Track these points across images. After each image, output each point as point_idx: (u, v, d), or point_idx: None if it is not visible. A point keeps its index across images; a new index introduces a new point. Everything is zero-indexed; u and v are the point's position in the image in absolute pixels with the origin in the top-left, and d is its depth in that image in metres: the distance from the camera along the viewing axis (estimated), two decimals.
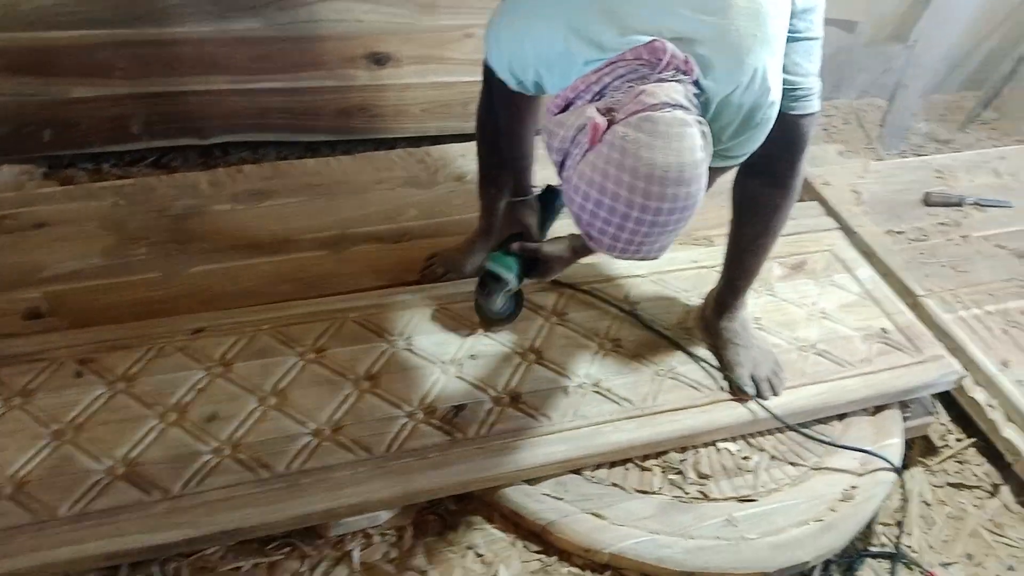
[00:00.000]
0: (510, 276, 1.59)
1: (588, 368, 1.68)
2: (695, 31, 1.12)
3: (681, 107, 1.05)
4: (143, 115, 2.34)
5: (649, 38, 1.09)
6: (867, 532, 1.72)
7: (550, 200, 1.68)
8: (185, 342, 1.65)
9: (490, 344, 1.70)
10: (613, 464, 1.58)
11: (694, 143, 1.05)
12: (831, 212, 2.29)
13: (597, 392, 1.64)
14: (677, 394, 1.65)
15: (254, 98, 2.36)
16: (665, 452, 1.61)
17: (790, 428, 1.64)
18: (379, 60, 2.36)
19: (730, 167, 1.40)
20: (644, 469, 1.59)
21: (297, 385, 1.58)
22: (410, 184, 2.17)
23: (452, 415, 1.55)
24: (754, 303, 1.84)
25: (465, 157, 2.27)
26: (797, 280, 1.97)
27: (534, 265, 1.62)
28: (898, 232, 2.29)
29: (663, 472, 1.58)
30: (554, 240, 1.63)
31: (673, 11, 1.12)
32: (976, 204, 2.42)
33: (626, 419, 1.59)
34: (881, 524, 1.75)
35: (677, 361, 1.73)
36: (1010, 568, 1.72)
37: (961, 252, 2.25)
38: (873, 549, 1.69)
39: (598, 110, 1.06)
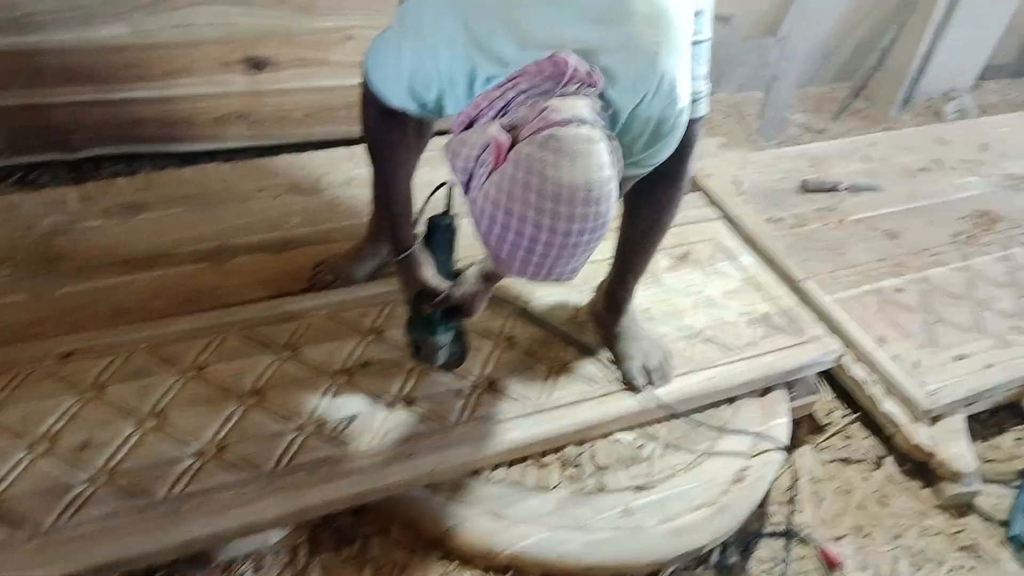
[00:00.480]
0: (437, 337, 1.52)
1: (483, 367, 1.67)
2: (598, 41, 1.08)
3: (587, 122, 1.02)
4: (5, 130, 2.20)
5: (551, 51, 1.05)
6: (761, 512, 1.77)
7: (437, 234, 1.54)
8: (54, 367, 1.55)
9: (383, 351, 1.67)
10: (512, 463, 1.57)
11: (601, 160, 1.02)
12: (714, 202, 2.35)
13: (493, 391, 1.63)
14: (572, 388, 1.66)
15: (125, 108, 2.25)
16: (563, 447, 1.61)
17: (679, 416, 1.67)
18: (257, 65, 2.29)
19: (644, 175, 1.37)
20: (543, 466, 1.58)
21: (177, 405, 1.51)
22: (294, 191, 2.11)
23: (344, 426, 1.51)
24: (642, 294, 1.86)
25: (351, 161, 2.22)
26: (683, 270, 2.01)
27: (454, 312, 1.52)
28: (778, 219, 2.37)
29: (561, 467, 1.59)
30: (462, 278, 1.52)
31: (574, 22, 1.08)
32: (849, 189, 2.53)
33: (523, 416, 1.58)
34: (774, 504, 1.80)
35: (571, 356, 1.73)
36: (896, 536, 1.79)
37: (837, 236, 2.35)
38: (767, 529, 1.74)
39: (502, 127, 1.03)
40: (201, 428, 1.47)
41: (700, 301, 1.93)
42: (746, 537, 1.71)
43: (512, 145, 1.02)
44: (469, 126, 1.10)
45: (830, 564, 1.70)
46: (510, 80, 1.07)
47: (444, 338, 1.54)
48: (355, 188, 2.12)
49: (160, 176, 2.18)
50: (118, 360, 1.58)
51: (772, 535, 1.73)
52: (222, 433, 1.47)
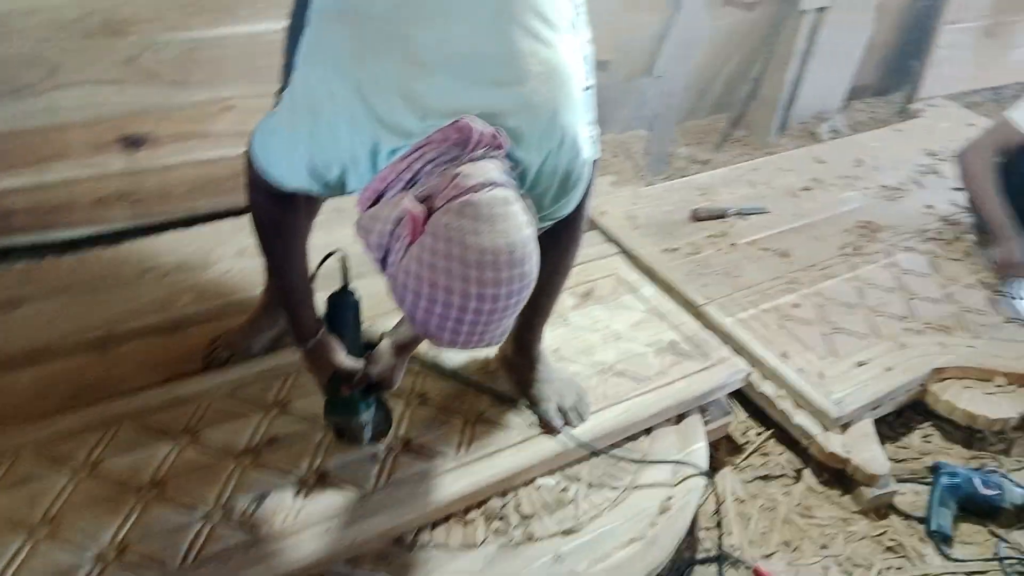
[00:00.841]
0: (359, 416, 1.47)
1: (397, 428, 1.62)
2: (499, 104, 1.08)
3: (500, 184, 1.02)
4: None
5: (453, 118, 1.05)
6: (691, 540, 1.77)
7: (341, 313, 1.50)
8: None
9: (290, 424, 1.60)
10: (435, 524, 1.52)
11: (519, 220, 1.02)
12: (611, 239, 2.39)
13: (409, 452, 1.58)
14: (490, 439, 1.63)
15: None
16: (486, 500, 1.57)
17: (598, 454, 1.66)
18: (134, 143, 2.22)
19: (559, 218, 1.35)
20: (467, 523, 1.54)
21: (71, 508, 1.41)
22: (182, 269, 2.04)
23: (253, 509, 1.43)
24: (551, 335, 1.86)
25: (241, 232, 2.16)
26: (588, 307, 2.02)
27: (372, 389, 1.48)
28: (674, 249, 2.42)
29: (487, 521, 1.54)
30: (376, 355, 1.49)
31: (473, 88, 1.08)
32: (738, 214, 2.62)
33: (442, 474, 1.54)
34: (703, 529, 1.80)
35: (486, 405, 1.71)
36: (823, 547, 1.82)
37: (732, 259, 2.41)
38: (699, 556, 1.74)
39: (414, 199, 1.01)
40: (99, 530, 1.37)
41: (608, 336, 1.93)
42: (679, 566, 1.70)
43: (428, 216, 1.00)
44: (377, 200, 1.08)
45: None
46: (416, 150, 1.05)
47: (367, 416, 1.49)
48: (246, 259, 2.06)
49: (39, 267, 2.07)
50: (2, 468, 1.46)
51: (704, 561, 1.73)
52: (122, 532, 1.37)
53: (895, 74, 4.01)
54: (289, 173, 1.20)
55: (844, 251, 2.51)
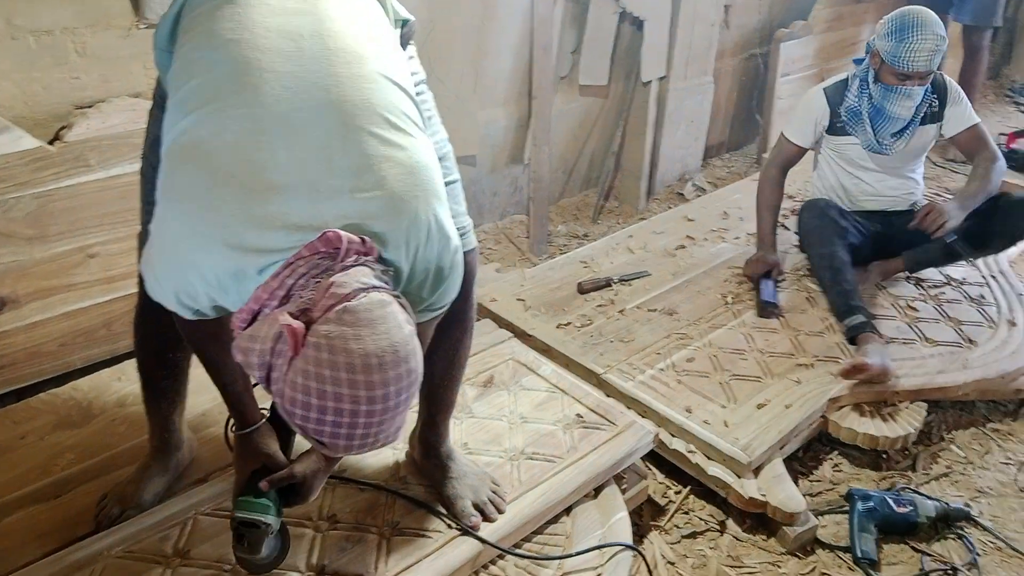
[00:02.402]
0: (270, 519, 1.38)
1: (309, 557, 1.55)
2: (361, 211, 1.09)
3: (375, 288, 1.03)
4: None
5: (318, 232, 1.05)
6: None
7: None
8: None
9: (191, 573, 1.51)
10: None
11: (399, 319, 1.03)
12: (504, 324, 2.40)
13: (248, 567, 1.49)
14: (408, 548, 1.57)
15: None
16: None
17: (511, 553, 1.62)
18: None
19: (441, 313, 1.36)
20: None
21: None
22: (62, 427, 1.92)
23: None
24: (457, 429, 1.84)
25: (121, 380, 2.07)
26: (490, 395, 2.01)
27: (291, 492, 1.41)
28: (566, 324, 2.46)
29: None
30: (302, 455, 1.43)
31: (333, 199, 1.08)
32: (621, 281, 2.69)
33: None
34: None
35: (400, 515, 1.65)
36: None
37: (622, 325, 2.46)
38: None
39: (291, 314, 1.00)
40: None
41: (514, 421, 1.92)
42: None
43: (307, 329, 0.99)
44: (253, 320, 1.07)
45: None
46: (287, 267, 1.05)
47: (275, 523, 1.41)
48: (129, 407, 1.97)
49: None
50: None
51: None
52: None
53: (744, 129, 4.28)
54: (164, 299, 1.19)
55: (726, 300, 2.61)
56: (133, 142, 2.15)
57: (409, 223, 1.14)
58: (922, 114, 2.56)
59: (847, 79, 2.63)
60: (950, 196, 2.74)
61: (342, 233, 1.06)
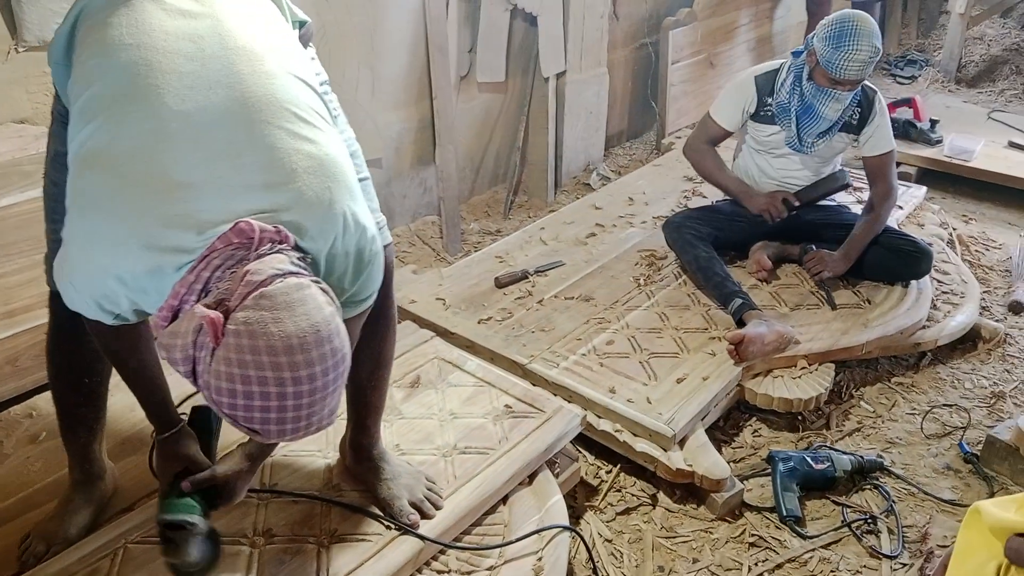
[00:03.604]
0: (195, 518, 1.35)
1: (246, 573, 1.53)
2: (273, 205, 1.09)
3: (291, 273, 1.03)
4: None
5: (230, 225, 1.05)
6: None
7: (204, 420, 1.48)
8: None
9: None
10: None
11: (318, 300, 1.03)
12: (425, 324, 2.41)
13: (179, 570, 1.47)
14: (348, 554, 1.57)
15: None
16: None
17: (451, 547, 1.64)
18: None
19: (367, 309, 1.37)
20: None
21: None
22: None
23: None
24: (388, 431, 1.84)
25: (32, 416, 1.99)
26: (418, 395, 2.02)
27: (216, 494, 1.40)
28: (487, 319, 2.48)
29: None
30: (224, 457, 1.44)
31: (243, 195, 1.08)
32: (537, 272, 2.73)
33: None
34: None
35: (337, 522, 1.64)
36: (695, 561, 1.88)
37: (542, 315, 2.50)
38: None
39: (207, 306, 1.00)
40: None
41: (444, 418, 1.93)
42: None
43: (225, 318, 0.99)
44: (175, 318, 1.06)
45: None
46: (202, 260, 1.05)
47: (201, 523, 1.37)
48: (43, 443, 1.89)
49: None
50: None
51: None
52: None
53: (641, 117, 4.39)
54: (84, 307, 1.17)
55: (639, 283, 2.68)
56: (23, 170, 2.06)
57: (324, 216, 1.14)
58: (843, 121, 2.61)
59: (779, 69, 2.64)
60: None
61: (254, 222, 1.06)
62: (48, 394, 2.01)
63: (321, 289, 1.06)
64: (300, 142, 1.14)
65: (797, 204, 2.67)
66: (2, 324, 2.10)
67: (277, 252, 1.07)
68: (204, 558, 1.40)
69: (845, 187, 2.75)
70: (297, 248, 1.11)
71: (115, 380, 1.69)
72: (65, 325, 1.52)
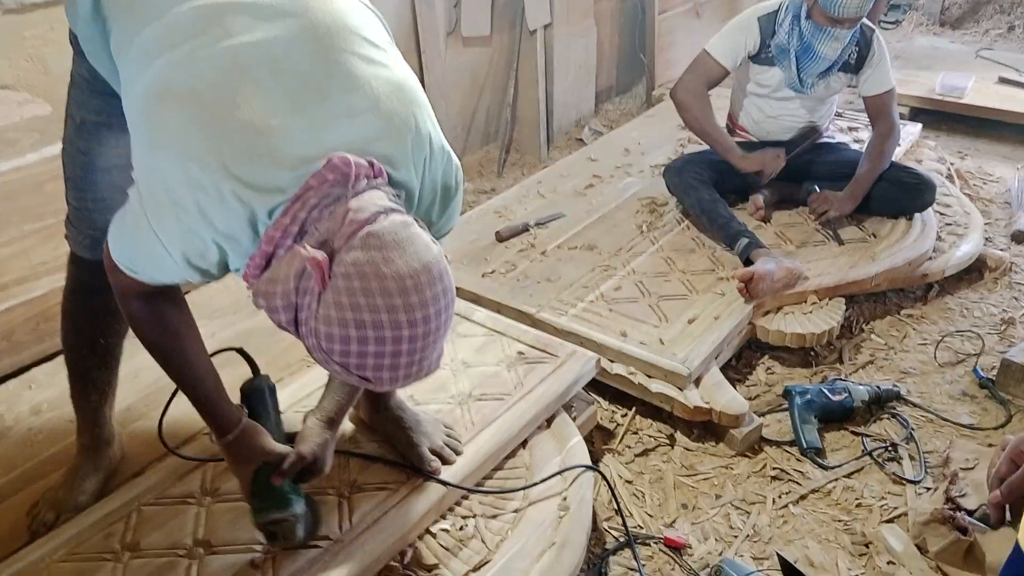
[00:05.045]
0: (295, 509, 1.33)
1: None
2: (362, 134, 1.05)
3: (394, 210, 0.99)
4: None
5: (322, 160, 1.00)
6: (597, 535, 1.75)
7: (259, 399, 1.45)
8: None
9: (144, 564, 1.42)
10: None
11: (425, 238, 0.99)
12: None
13: (288, 549, 1.45)
14: (371, 503, 1.53)
15: None
16: (385, 568, 1.47)
17: (474, 491, 1.61)
18: None
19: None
20: None
21: None
22: None
23: None
24: None
25: (32, 388, 1.93)
26: None
27: (304, 475, 1.38)
28: (491, 272, 2.44)
29: None
30: (303, 434, 1.40)
31: (329, 126, 1.04)
32: (538, 224, 2.68)
33: (329, 559, 1.42)
34: (604, 521, 1.79)
35: (356, 473, 1.61)
36: (717, 497, 1.86)
37: (546, 266, 2.46)
38: (609, 547, 1.72)
39: (311, 247, 0.95)
40: None
41: (457, 368, 1.89)
42: (594, 564, 1.67)
43: (331, 260, 0.95)
44: (268, 264, 1.01)
45: (678, 549, 1.71)
46: (296, 201, 1.00)
47: (300, 507, 1.35)
48: (45, 414, 1.84)
49: None
50: None
51: (616, 550, 1.71)
52: None
53: (630, 71, 4.33)
54: (161, 270, 1.11)
55: (641, 229, 2.64)
56: (7, 137, 2.00)
57: (411, 140, 1.11)
58: (842, 61, 2.55)
59: (777, 9, 2.56)
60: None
61: (349, 157, 1.01)
62: (47, 366, 2.00)
63: (422, 226, 1.02)
64: (376, 67, 1.10)
65: (790, 183, 2.64)
66: (4, 296, 2.04)
67: (374, 188, 1.03)
68: (308, 530, 1.40)
69: (849, 173, 2.62)
70: (391, 183, 1.08)
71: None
72: (88, 287, 1.47)
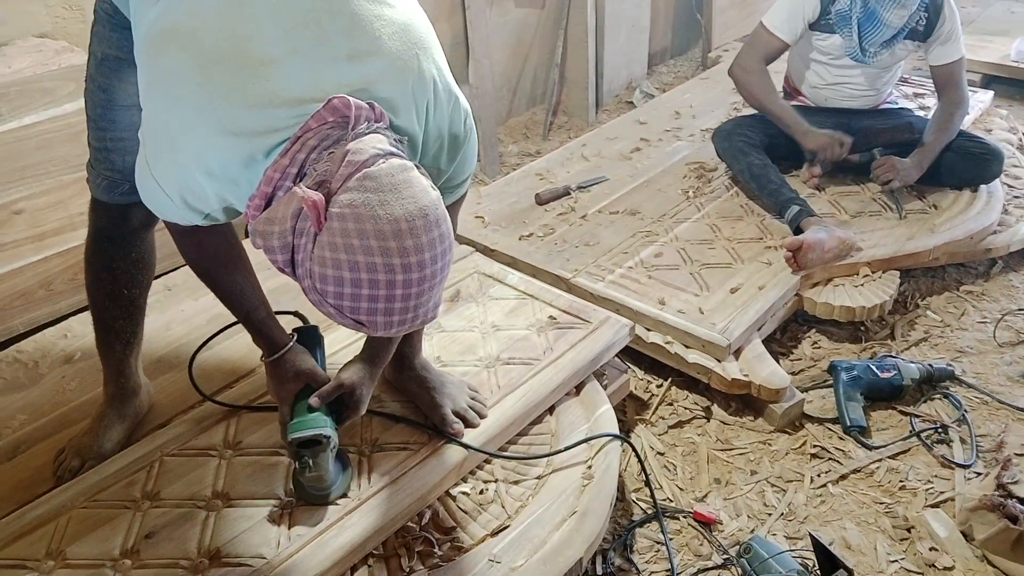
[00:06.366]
0: (327, 430, 1.32)
1: (285, 483, 1.47)
2: (362, 76, 1.03)
3: (393, 154, 0.97)
4: None
5: (322, 103, 0.98)
6: (625, 505, 1.70)
7: (307, 339, 1.46)
8: None
9: (162, 514, 1.42)
10: (354, 568, 1.38)
11: (424, 183, 0.97)
12: (464, 242, 2.32)
13: (305, 506, 1.43)
14: (391, 463, 1.50)
15: None
16: (402, 528, 1.44)
17: (496, 456, 1.56)
18: None
19: (461, 197, 1.33)
20: (388, 557, 1.40)
21: None
22: (8, 391, 1.80)
23: None
24: (428, 344, 1.77)
25: (67, 337, 1.95)
26: (459, 308, 1.93)
27: (343, 405, 1.39)
28: (528, 235, 2.38)
29: (407, 550, 1.41)
30: (346, 366, 1.43)
31: (329, 67, 1.02)
32: (580, 188, 2.61)
33: (347, 515, 1.40)
34: (633, 492, 1.74)
35: (378, 432, 1.58)
36: (753, 473, 1.79)
37: (586, 230, 2.39)
38: (637, 519, 1.67)
39: (308, 188, 0.93)
40: None
41: (487, 330, 1.85)
42: (620, 535, 1.62)
43: (327, 201, 0.93)
44: (268, 204, 1.00)
45: (707, 524, 1.65)
46: (295, 142, 0.99)
47: (333, 438, 1.34)
48: (78, 363, 1.85)
49: None
50: None
51: (643, 523, 1.66)
52: None
53: (686, 32, 4.19)
54: (173, 213, 1.12)
55: (688, 195, 2.55)
56: (43, 87, 2.00)
57: (414, 83, 1.07)
58: (909, 28, 2.40)
59: None
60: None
61: (350, 99, 0.99)
62: (83, 316, 2.01)
63: (423, 172, 0.99)
64: (379, 7, 1.06)
65: (851, 151, 2.46)
66: (33, 248, 2.07)
67: (375, 132, 1.00)
68: (337, 475, 1.39)
69: (910, 138, 2.49)
70: (392, 128, 1.05)
71: (150, 301, 1.65)
72: (107, 234, 1.48)
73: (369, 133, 0.99)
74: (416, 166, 0.99)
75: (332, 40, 1.02)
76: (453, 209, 1.33)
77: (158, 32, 1.03)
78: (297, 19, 1.02)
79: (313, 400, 1.35)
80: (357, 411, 1.41)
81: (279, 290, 1.83)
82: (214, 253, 1.29)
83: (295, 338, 1.42)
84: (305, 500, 1.41)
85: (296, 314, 1.51)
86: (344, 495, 1.43)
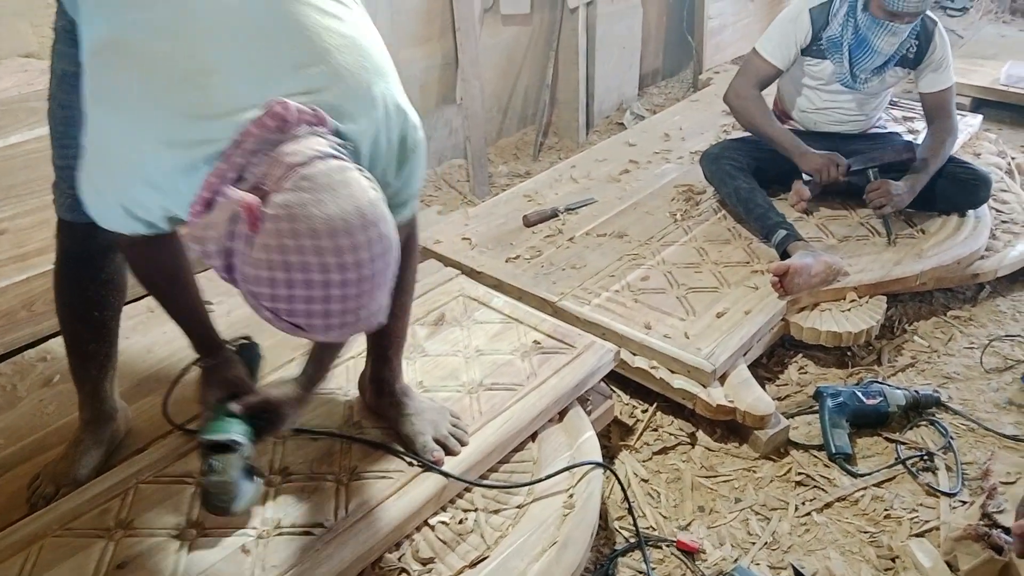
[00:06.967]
0: (242, 438, 1.30)
1: (263, 513, 1.45)
2: (307, 85, 1.02)
3: (332, 156, 0.96)
4: None
5: (263, 109, 0.97)
6: (608, 534, 1.68)
7: (245, 354, 1.47)
8: None
9: (136, 542, 1.40)
10: None
11: (361, 183, 0.95)
12: (451, 264, 2.31)
13: (281, 534, 1.41)
14: (369, 491, 1.48)
15: None
16: (379, 559, 1.43)
17: (476, 484, 1.54)
18: None
19: (410, 214, 1.32)
20: None
21: None
22: None
23: None
24: (411, 369, 1.76)
25: (46, 360, 1.93)
26: (443, 332, 1.92)
27: (263, 419, 1.36)
28: (515, 257, 2.37)
29: None
30: (279, 381, 1.42)
31: (274, 77, 1.01)
32: (568, 210, 2.60)
33: (322, 547, 1.38)
34: (616, 520, 1.72)
35: (357, 459, 1.56)
36: (737, 501, 1.77)
37: (573, 252, 2.38)
38: (619, 548, 1.65)
39: (244, 191, 0.92)
40: None
41: (470, 355, 1.84)
42: (602, 564, 1.60)
43: (263, 203, 0.91)
44: (208, 210, 0.98)
45: (691, 553, 1.63)
46: (235, 147, 0.97)
47: (247, 449, 1.32)
48: (57, 386, 1.83)
49: None
50: None
51: (625, 551, 1.64)
52: None
53: (677, 54, 4.20)
54: (113, 218, 1.11)
55: (675, 218, 2.55)
56: (29, 106, 1.99)
57: (362, 93, 1.07)
58: (900, 55, 2.41)
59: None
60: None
61: (289, 103, 0.98)
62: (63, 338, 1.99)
63: (365, 176, 0.98)
64: (329, 19, 1.06)
65: (847, 173, 2.42)
66: (15, 268, 2.05)
67: (315, 136, 0.99)
68: (244, 489, 1.34)
69: (909, 158, 2.47)
70: (337, 134, 1.03)
71: (131, 324, 1.63)
72: (74, 255, 1.47)
73: (308, 136, 0.98)
74: (358, 168, 0.98)
75: (278, 50, 1.02)
76: (408, 242, 1.30)
77: (98, 46, 1.03)
78: (242, 30, 1.01)
79: (232, 406, 1.33)
80: (278, 428, 1.39)
81: None
82: (158, 266, 1.30)
83: (232, 346, 1.44)
84: (208, 510, 1.34)
85: (247, 339, 1.50)
86: (247, 512, 1.40)
